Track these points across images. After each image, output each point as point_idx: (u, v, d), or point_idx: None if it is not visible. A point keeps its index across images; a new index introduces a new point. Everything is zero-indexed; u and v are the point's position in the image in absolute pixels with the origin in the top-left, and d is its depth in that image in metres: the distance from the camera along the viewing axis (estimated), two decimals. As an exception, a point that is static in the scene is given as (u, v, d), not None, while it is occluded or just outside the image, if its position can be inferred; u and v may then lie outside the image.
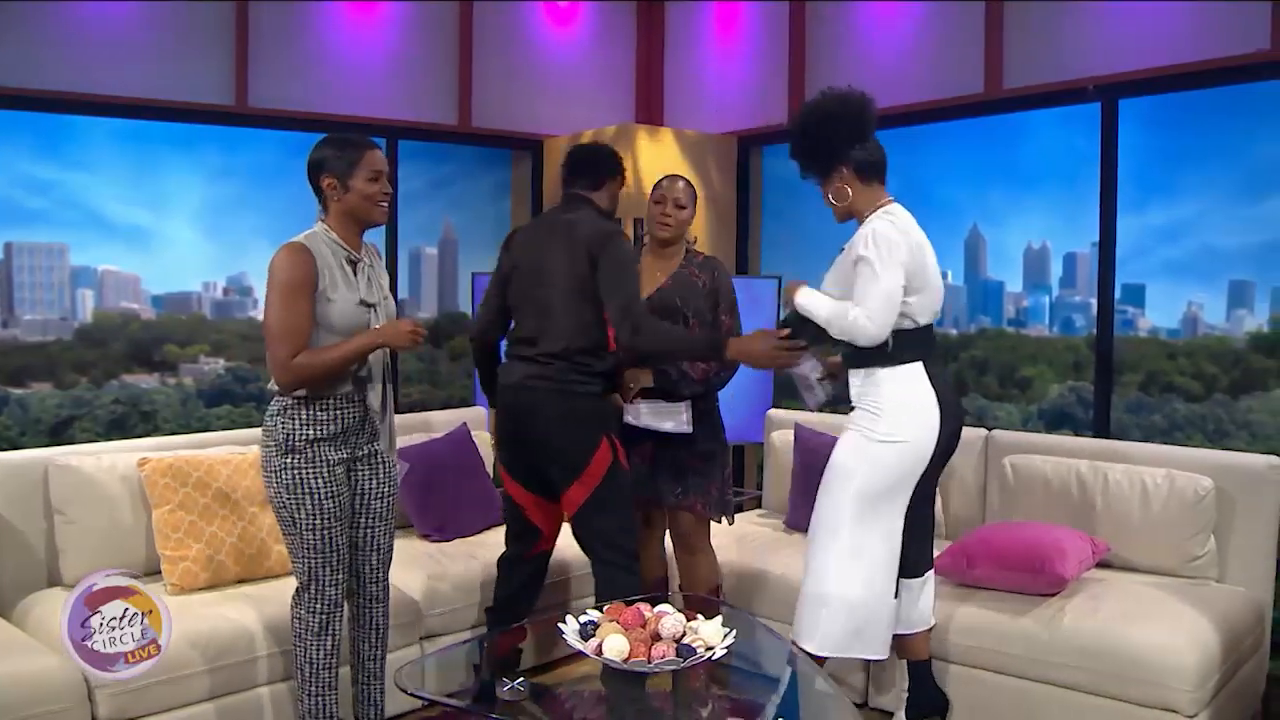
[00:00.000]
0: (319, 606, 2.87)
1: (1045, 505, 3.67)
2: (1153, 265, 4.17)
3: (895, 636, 3.19)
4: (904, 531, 3.05)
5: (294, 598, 2.92)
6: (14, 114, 4.31)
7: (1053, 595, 3.27)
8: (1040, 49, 4.40)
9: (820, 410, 3.49)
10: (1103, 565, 3.51)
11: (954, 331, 4.78)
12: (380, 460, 3.00)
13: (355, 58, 5.10)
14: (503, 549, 3.44)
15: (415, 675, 3.18)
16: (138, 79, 4.54)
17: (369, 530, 3.02)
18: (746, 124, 5.46)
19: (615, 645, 2.56)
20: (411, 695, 2.80)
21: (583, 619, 2.73)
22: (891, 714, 3.37)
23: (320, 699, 2.91)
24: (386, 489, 3.02)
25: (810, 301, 3.07)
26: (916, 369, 3.02)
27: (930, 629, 3.21)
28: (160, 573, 3.33)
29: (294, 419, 2.81)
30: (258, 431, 2.96)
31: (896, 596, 3.07)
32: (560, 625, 2.70)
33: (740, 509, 4.52)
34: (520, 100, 5.46)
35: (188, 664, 2.96)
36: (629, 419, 3.43)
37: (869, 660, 3.15)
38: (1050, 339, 4.50)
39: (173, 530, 3.32)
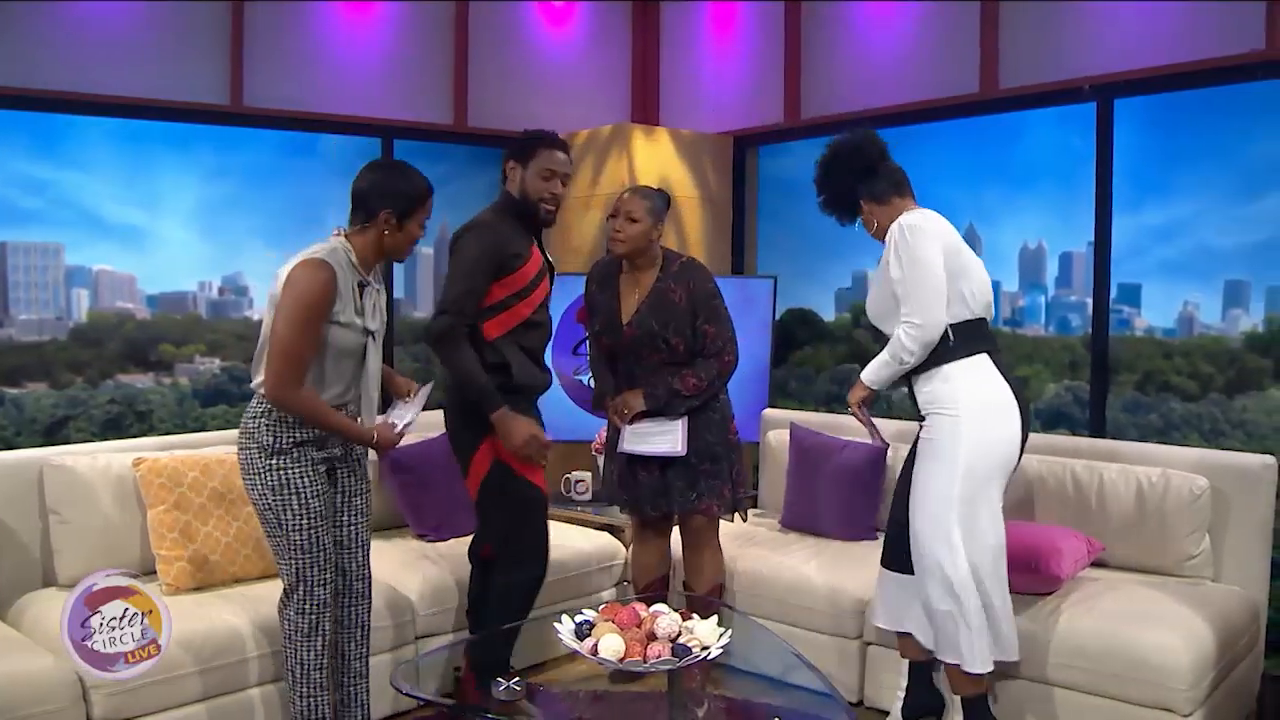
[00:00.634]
0: (307, 607, 2.86)
1: (1041, 505, 3.68)
2: (1148, 265, 4.17)
3: (898, 635, 3.19)
4: None
5: (281, 600, 2.91)
6: (9, 113, 4.30)
7: (1048, 594, 3.27)
8: (1036, 49, 4.40)
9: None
10: (1098, 565, 3.52)
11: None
12: (358, 458, 3.03)
13: (351, 57, 5.09)
14: None
15: (410, 675, 3.18)
16: (133, 79, 4.53)
17: (353, 527, 3.04)
18: (742, 124, 5.46)
19: (611, 645, 2.56)
20: (407, 695, 2.80)
21: (578, 619, 2.73)
22: (887, 713, 3.37)
23: (311, 701, 2.90)
24: (364, 486, 3.05)
25: (873, 371, 3.07)
26: (984, 360, 2.99)
27: None
28: (155, 573, 3.32)
29: (280, 421, 2.80)
30: (253, 432, 2.95)
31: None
32: (555, 625, 2.71)
33: (747, 509, 4.51)
34: (516, 100, 5.45)
35: (181, 664, 2.96)
36: (624, 447, 3.45)
37: (1007, 662, 3.01)
38: (1046, 338, 4.51)
39: (168, 530, 3.32)
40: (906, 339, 2.93)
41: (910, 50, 4.83)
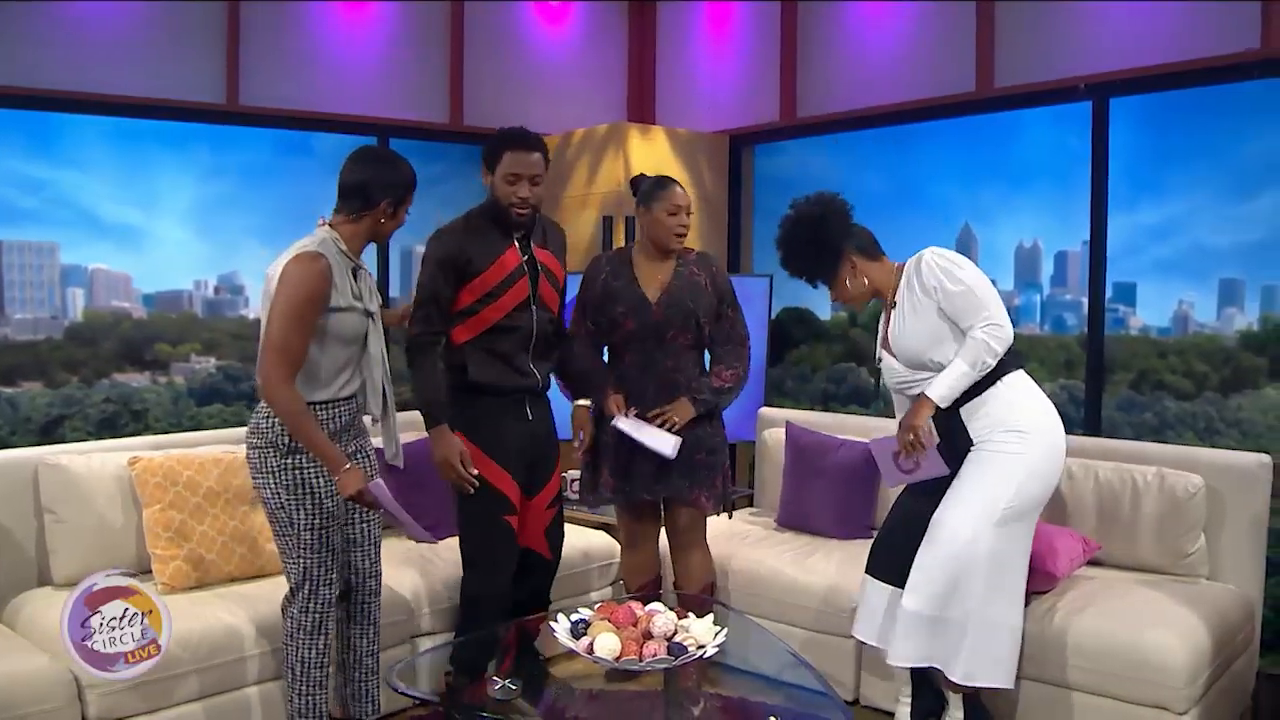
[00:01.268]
0: (313, 606, 2.86)
1: (1036, 503, 3.68)
2: (1143, 264, 4.18)
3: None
4: (921, 533, 2.98)
5: (286, 599, 2.91)
6: (4, 112, 4.29)
7: (1044, 593, 3.27)
8: (1031, 48, 4.41)
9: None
10: (1094, 563, 3.53)
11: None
12: (366, 454, 3.02)
13: (346, 56, 5.09)
14: None
15: (408, 673, 3.19)
16: (129, 78, 4.52)
17: (365, 524, 3.05)
18: (738, 123, 5.46)
19: (607, 644, 2.56)
20: (404, 694, 2.80)
21: (574, 617, 2.73)
22: (885, 712, 3.37)
23: (311, 698, 2.90)
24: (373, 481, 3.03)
25: (945, 387, 2.92)
26: (1023, 375, 3.02)
27: None
28: (151, 572, 3.32)
29: None
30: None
31: None
32: (551, 624, 2.71)
33: (734, 506, 4.53)
34: (512, 99, 5.45)
35: (178, 663, 2.95)
36: (620, 424, 3.39)
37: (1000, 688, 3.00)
38: (1042, 337, 4.51)
39: (164, 529, 3.32)
40: (993, 341, 2.87)
41: (906, 49, 4.83)
